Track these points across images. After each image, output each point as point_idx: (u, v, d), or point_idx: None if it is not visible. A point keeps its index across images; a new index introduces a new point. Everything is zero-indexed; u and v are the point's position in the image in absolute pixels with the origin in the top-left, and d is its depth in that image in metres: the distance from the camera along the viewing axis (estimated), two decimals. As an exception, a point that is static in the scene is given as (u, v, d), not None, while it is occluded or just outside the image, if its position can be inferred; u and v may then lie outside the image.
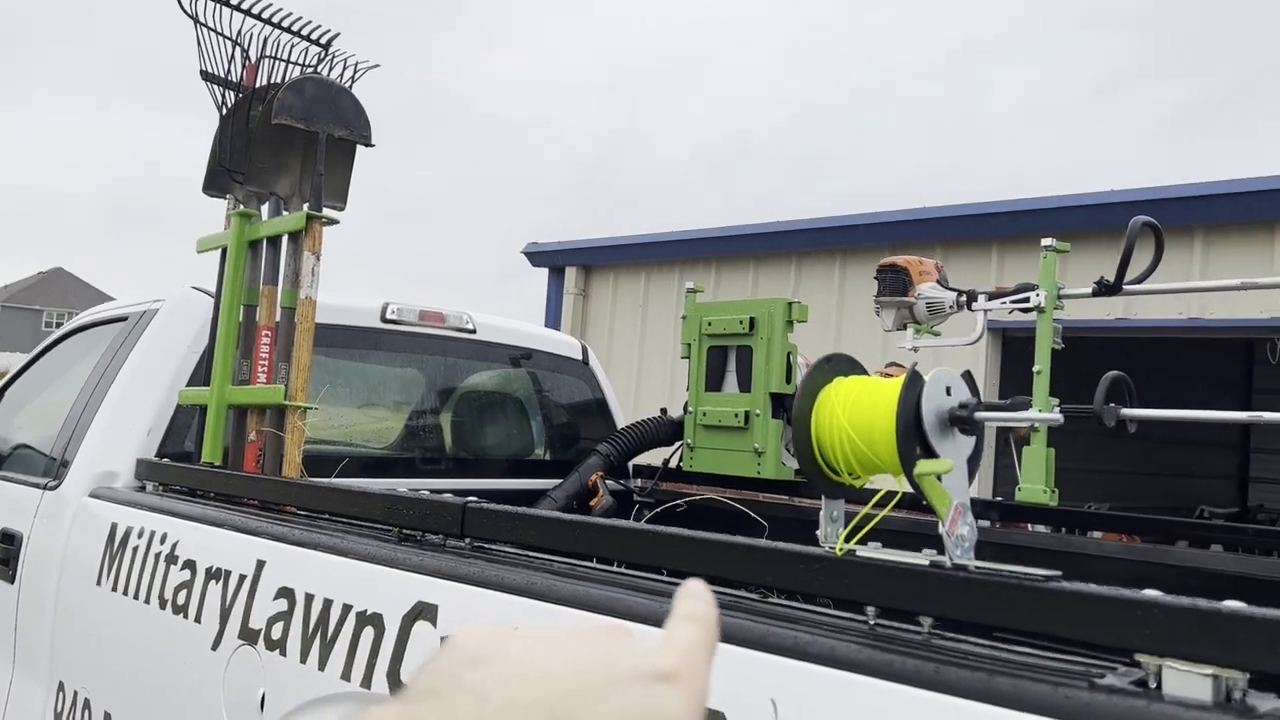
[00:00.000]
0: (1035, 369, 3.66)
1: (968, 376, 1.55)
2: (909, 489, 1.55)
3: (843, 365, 1.63)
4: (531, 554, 2.16)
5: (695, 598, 0.60)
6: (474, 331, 4.42)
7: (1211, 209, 5.57)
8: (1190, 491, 9.72)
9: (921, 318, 3.97)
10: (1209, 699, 1.21)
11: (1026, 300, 3.67)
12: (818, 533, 1.63)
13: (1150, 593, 1.29)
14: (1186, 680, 1.23)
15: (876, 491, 1.69)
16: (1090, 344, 4.12)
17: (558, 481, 4.40)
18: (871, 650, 1.45)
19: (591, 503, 4.22)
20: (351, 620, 2.20)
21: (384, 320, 4.10)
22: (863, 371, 1.65)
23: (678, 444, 4.77)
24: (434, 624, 2.02)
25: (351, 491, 2.43)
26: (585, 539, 1.94)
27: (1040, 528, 4.62)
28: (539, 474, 4.72)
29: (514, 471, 4.75)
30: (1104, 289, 3.53)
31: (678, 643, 0.55)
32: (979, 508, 3.76)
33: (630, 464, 4.86)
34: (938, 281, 4.03)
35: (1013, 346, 6.43)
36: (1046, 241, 3.65)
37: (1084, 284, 3.66)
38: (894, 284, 3.99)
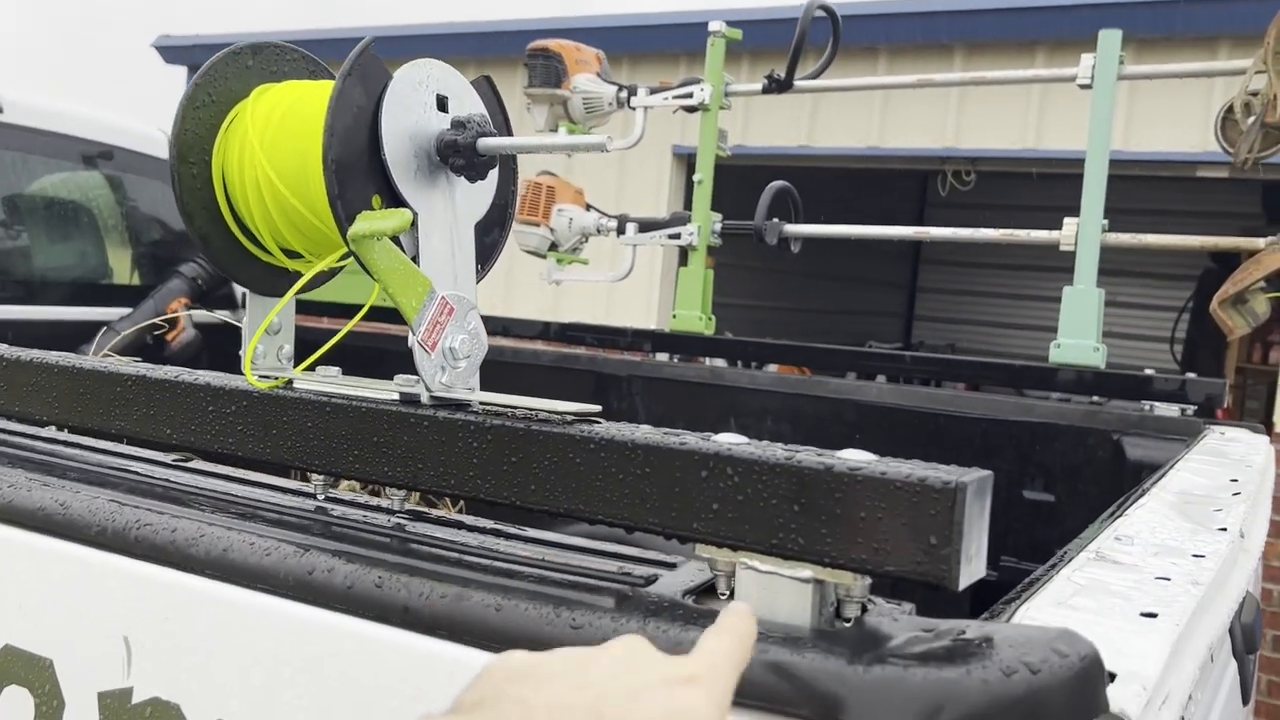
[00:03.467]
0: (696, 178, 3.17)
1: (484, 84, 0.92)
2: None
3: (283, 64, 0.94)
4: None
5: (734, 613, 0.62)
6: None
7: (894, 28, 5.34)
8: (864, 329, 10.10)
9: (577, 115, 3.34)
10: (806, 621, 0.69)
11: (690, 95, 3.13)
12: (241, 353, 0.97)
13: (725, 440, 0.74)
14: (772, 589, 0.71)
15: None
16: (773, 174, 3.79)
17: (127, 311, 3.49)
18: (287, 550, 0.83)
19: (169, 336, 3.36)
20: None
21: None
22: (324, 73, 0.97)
23: (297, 266, 3.98)
24: None
25: None
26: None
27: (719, 362, 4.29)
28: (118, 301, 3.76)
29: (83, 298, 3.76)
30: (775, 84, 3.05)
31: (703, 651, 0.59)
32: (631, 338, 3.28)
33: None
34: (598, 74, 3.40)
35: (697, 174, 5.97)
36: (714, 26, 3.10)
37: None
38: (545, 73, 3.32)
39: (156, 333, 3.22)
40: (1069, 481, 2.52)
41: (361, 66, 0.81)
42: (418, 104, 0.85)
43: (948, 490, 0.63)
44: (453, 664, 0.73)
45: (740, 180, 4.11)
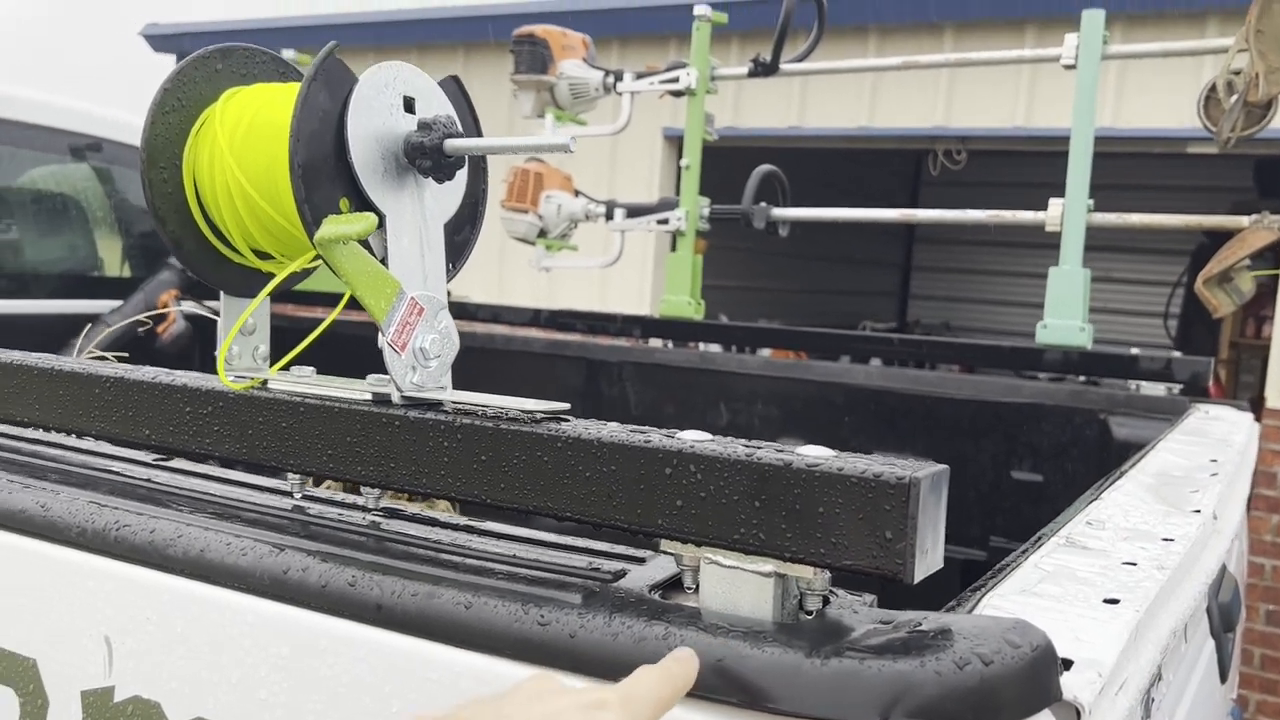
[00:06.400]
0: (683, 163, 3.17)
1: (451, 85, 0.92)
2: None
3: (252, 67, 0.95)
4: None
5: (675, 656, 0.65)
6: (-15, 105, 3.32)
7: (884, 8, 5.31)
8: (858, 309, 10.09)
9: (564, 101, 3.34)
10: (769, 614, 0.70)
11: (676, 80, 3.12)
12: (216, 354, 0.98)
13: (689, 436, 0.75)
14: (735, 584, 0.72)
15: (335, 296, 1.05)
16: (764, 155, 3.76)
17: (118, 304, 3.50)
18: (263, 550, 0.84)
19: (160, 329, 3.37)
20: None
21: None
22: (294, 75, 0.97)
23: (287, 256, 3.98)
24: None
25: None
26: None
27: (714, 347, 4.29)
28: (109, 293, 3.77)
29: (74, 291, 3.76)
30: (761, 68, 3.04)
31: (624, 681, 0.62)
32: (621, 325, 3.29)
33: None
34: (584, 60, 3.40)
35: (689, 156, 5.94)
36: (699, 10, 3.09)
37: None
38: (531, 59, 3.31)
39: (145, 327, 3.21)
40: (1057, 461, 2.54)
41: (327, 70, 0.82)
42: (384, 106, 0.86)
43: (902, 485, 0.65)
44: (424, 661, 0.75)
45: (732, 162, 4.11)
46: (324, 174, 0.82)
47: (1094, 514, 1.17)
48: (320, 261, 0.93)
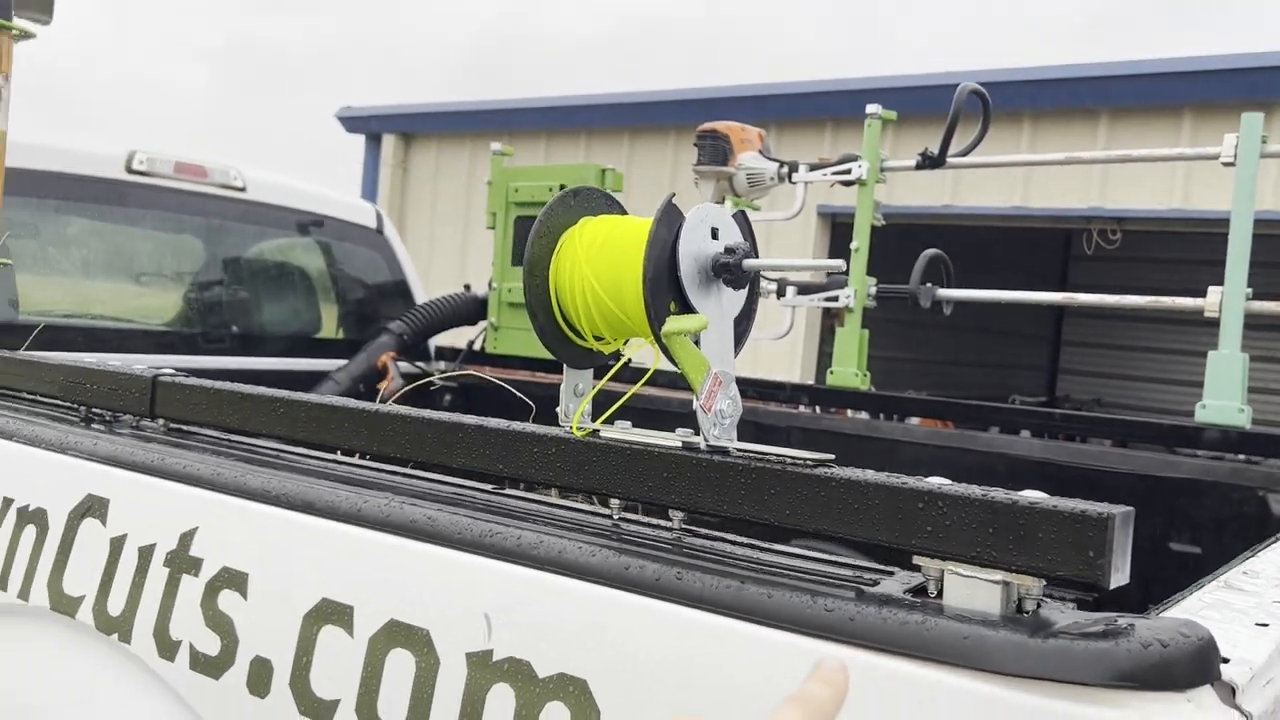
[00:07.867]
0: (853, 245, 3.45)
1: (740, 218, 1.24)
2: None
3: (593, 202, 1.30)
4: (239, 439, 1.79)
5: (820, 679, 0.62)
6: (243, 190, 3.88)
7: (1040, 95, 5.52)
8: (1005, 382, 10.08)
9: (741, 190, 3.68)
10: (996, 611, 0.97)
11: (848, 171, 3.42)
12: (558, 410, 1.31)
13: (935, 481, 1.03)
14: (971, 589, 0.99)
15: (644, 368, 1.38)
16: (918, 231, 3.97)
17: (344, 363, 3.99)
18: (607, 552, 1.16)
19: (380, 385, 3.83)
20: (11, 517, 1.78)
21: (130, 171, 3.53)
22: (620, 210, 1.31)
23: (483, 324, 4.41)
24: (104, 522, 1.63)
25: (18, 361, 1.97)
26: (289, 420, 1.58)
27: (862, 414, 4.52)
28: (329, 354, 4.28)
29: (299, 350, 4.29)
30: (928, 161, 3.32)
31: None
32: (790, 392, 3.57)
33: (432, 345, 4.49)
34: (760, 152, 3.74)
35: (842, 231, 6.29)
36: (871, 108, 3.39)
37: (917, 176, 3.42)
38: (713, 152, 3.67)
39: (434, 387, 3.62)
40: (1215, 535, 2.67)
41: (667, 212, 1.15)
42: (700, 235, 1.18)
43: (1102, 519, 0.91)
44: (738, 636, 1.04)
45: (884, 237, 4.36)
46: (662, 285, 1.15)
47: (1250, 567, 1.38)
48: (640, 346, 1.26)
